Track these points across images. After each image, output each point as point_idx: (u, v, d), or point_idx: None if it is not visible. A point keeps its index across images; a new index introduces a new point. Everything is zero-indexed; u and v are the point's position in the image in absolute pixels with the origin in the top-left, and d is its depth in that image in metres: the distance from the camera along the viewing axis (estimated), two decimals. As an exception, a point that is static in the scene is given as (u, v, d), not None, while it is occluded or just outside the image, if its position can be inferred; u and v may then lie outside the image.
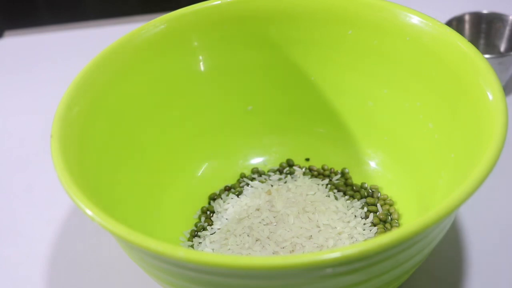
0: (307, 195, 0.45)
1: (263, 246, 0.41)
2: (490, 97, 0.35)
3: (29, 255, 0.46)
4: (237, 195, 0.46)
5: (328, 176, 0.48)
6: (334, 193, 0.46)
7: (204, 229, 0.44)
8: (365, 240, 0.42)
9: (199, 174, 0.48)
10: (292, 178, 0.48)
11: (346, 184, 0.47)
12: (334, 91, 0.47)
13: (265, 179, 0.48)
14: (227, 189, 0.48)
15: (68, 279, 0.44)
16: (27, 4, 0.91)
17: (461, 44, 0.38)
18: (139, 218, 0.41)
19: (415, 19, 0.41)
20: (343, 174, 0.48)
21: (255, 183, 0.47)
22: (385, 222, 0.43)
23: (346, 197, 0.46)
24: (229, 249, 0.42)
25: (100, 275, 0.44)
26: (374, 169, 0.47)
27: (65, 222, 0.48)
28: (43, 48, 0.70)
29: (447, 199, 0.29)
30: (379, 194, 0.45)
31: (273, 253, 0.41)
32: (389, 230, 0.43)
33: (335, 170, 0.48)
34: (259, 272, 0.29)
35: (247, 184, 0.47)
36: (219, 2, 0.45)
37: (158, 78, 0.44)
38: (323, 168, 0.48)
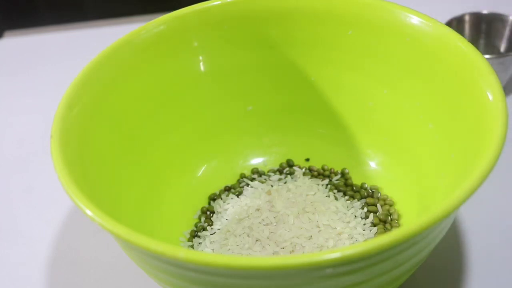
0: (307, 195, 0.45)
1: (263, 247, 0.41)
2: (490, 97, 0.34)
3: (29, 255, 0.46)
4: (237, 195, 0.46)
5: (328, 176, 0.48)
6: (334, 193, 0.46)
7: (204, 229, 0.44)
8: (365, 240, 0.42)
9: (199, 174, 0.48)
10: (292, 178, 0.48)
11: (346, 185, 0.47)
12: (334, 91, 0.47)
13: (265, 179, 0.48)
14: (227, 189, 0.48)
15: (68, 279, 0.44)
16: (27, 4, 0.91)
17: (461, 44, 0.38)
18: (139, 218, 0.41)
19: (415, 20, 0.41)
20: (343, 174, 0.48)
21: (255, 183, 0.47)
22: (385, 222, 0.43)
23: (346, 197, 0.46)
24: (229, 249, 0.42)
25: (100, 275, 0.44)
26: (374, 169, 0.47)
27: (65, 222, 0.48)
28: (43, 48, 0.70)
29: (447, 199, 0.29)
30: (379, 194, 0.45)
31: (273, 254, 0.41)
32: (389, 230, 0.43)
33: (335, 170, 0.48)
34: (259, 273, 0.29)
35: (247, 184, 0.47)
36: (219, 2, 0.45)
37: (158, 78, 0.44)
38: (323, 169, 0.48)
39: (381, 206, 0.44)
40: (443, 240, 0.41)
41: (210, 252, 0.42)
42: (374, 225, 0.43)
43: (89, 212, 0.31)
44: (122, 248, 0.36)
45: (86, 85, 0.39)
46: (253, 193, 0.46)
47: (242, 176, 0.48)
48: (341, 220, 0.43)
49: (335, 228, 0.42)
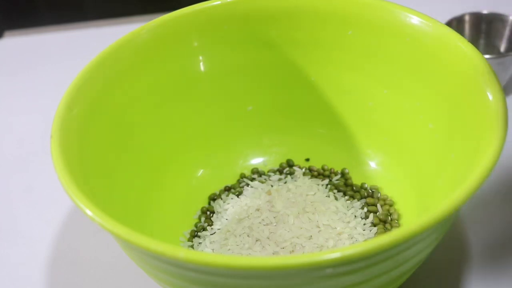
0: (307, 195, 0.45)
1: (263, 247, 0.41)
2: (490, 97, 0.35)
3: (29, 255, 0.46)
4: (237, 195, 0.46)
5: (328, 176, 0.48)
6: (334, 193, 0.46)
7: (204, 229, 0.44)
8: (365, 240, 0.42)
9: (199, 174, 0.48)
10: (292, 178, 0.48)
11: (346, 185, 0.47)
12: (334, 91, 0.47)
13: (265, 179, 0.48)
14: (227, 189, 0.48)
15: (68, 279, 0.44)
16: (27, 4, 0.91)
17: (461, 44, 0.38)
18: (139, 218, 0.41)
19: (415, 20, 0.41)
20: (343, 174, 0.48)
21: (255, 183, 0.47)
22: (385, 222, 0.43)
23: (346, 197, 0.46)
24: (229, 249, 0.42)
25: (100, 275, 0.44)
26: (374, 169, 0.47)
27: (65, 222, 0.48)
28: (43, 48, 0.70)
29: (447, 199, 0.29)
30: (379, 194, 0.45)
31: (273, 254, 0.41)
32: (389, 230, 0.43)
33: (335, 170, 0.48)
34: (259, 273, 0.29)
35: (247, 184, 0.47)
36: (219, 2, 0.45)
37: (158, 78, 0.45)
38: (323, 169, 0.48)
39: (381, 206, 0.44)
40: (443, 239, 0.41)
41: (210, 252, 0.42)
42: (374, 225, 0.43)
43: (89, 212, 0.31)
44: (122, 248, 0.36)
45: (86, 85, 0.39)
46: (253, 193, 0.46)
47: (242, 176, 0.48)
48: (341, 220, 0.43)
49: (335, 228, 0.42)
